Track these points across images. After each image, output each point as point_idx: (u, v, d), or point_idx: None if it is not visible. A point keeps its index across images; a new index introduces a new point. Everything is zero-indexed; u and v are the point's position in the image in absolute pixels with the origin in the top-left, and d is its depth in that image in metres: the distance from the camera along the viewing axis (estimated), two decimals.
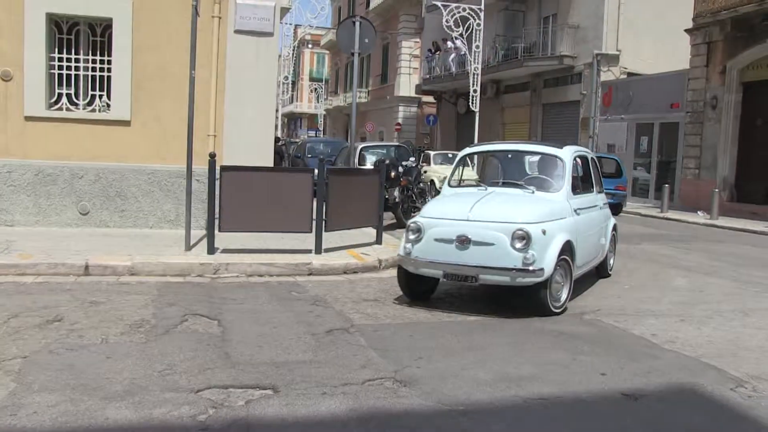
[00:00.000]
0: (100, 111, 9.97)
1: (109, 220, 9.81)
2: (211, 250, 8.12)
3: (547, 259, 6.12)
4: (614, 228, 8.67)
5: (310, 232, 8.48)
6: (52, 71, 9.79)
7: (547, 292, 6.20)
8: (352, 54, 10.84)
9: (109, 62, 9.83)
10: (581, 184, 7.71)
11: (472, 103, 24.16)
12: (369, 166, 16.24)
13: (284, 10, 13.82)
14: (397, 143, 22.43)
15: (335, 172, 9.70)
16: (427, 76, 33.09)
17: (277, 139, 21.31)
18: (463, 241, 6.16)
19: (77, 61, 9.84)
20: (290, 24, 34.69)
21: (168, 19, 9.76)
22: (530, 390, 4.27)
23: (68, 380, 4.08)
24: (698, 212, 17.84)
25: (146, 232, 9.62)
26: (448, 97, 33.15)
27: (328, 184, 8.61)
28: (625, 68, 23.68)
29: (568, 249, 6.48)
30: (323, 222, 8.45)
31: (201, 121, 9.31)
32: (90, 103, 9.97)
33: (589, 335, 5.74)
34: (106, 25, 9.84)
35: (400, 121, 37.42)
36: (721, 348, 5.46)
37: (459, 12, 23.89)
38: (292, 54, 34.03)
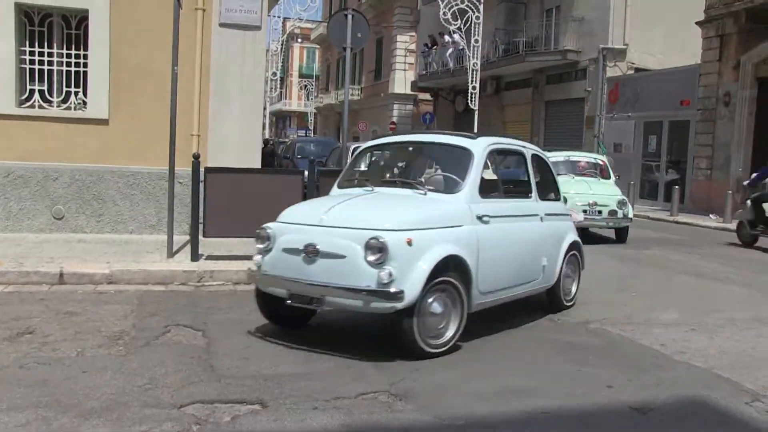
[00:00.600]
0: (75, 108, 9.97)
1: (85, 225, 9.80)
2: (195, 256, 8.11)
3: (412, 279, 4.97)
4: (575, 247, 7.22)
5: None
6: (23, 66, 9.77)
7: (413, 323, 4.99)
8: (344, 49, 10.86)
9: (85, 57, 9.83)
10: (511, 186, 6.79)
11: (471, 100, 24.21)
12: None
13: (272, 3, 13.84)
14: None
15: (327, 173, 9.70)
16: (424, 72, 33.17)
17: (266, 142, 21.38)
18: (311, 252, 5.13)
19: (50, 55, 9.83)
20: (278, 17, 34.64)
21: (148, 11, 9.76)
22: (533, 403, 4.28)
23: (40, 397, 4.06)
24: (710, 215, 17.91)
25: (125, 238, 9.61)
26: (445, 95, 33.23)
27: (318, 186, 8.62)
28: (633, 63, 23.78)
29: (456, 267, 5.32)
30: None
31: (184, 120, 9.31)
32: (65, 101, 9.97)
33: (594, 345, 5.76)
34: (82, 17, 9.83)
35: (394, 119, 37.46)
36: (735, 359, 5.48)
37: (457, 4, 23.96)
38: (281, 49, 34.00)
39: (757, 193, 13.20)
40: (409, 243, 4.98)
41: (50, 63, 9.84)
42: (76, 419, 3.75)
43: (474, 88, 24.20)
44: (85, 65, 9.83)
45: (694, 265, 10.45)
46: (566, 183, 12.33)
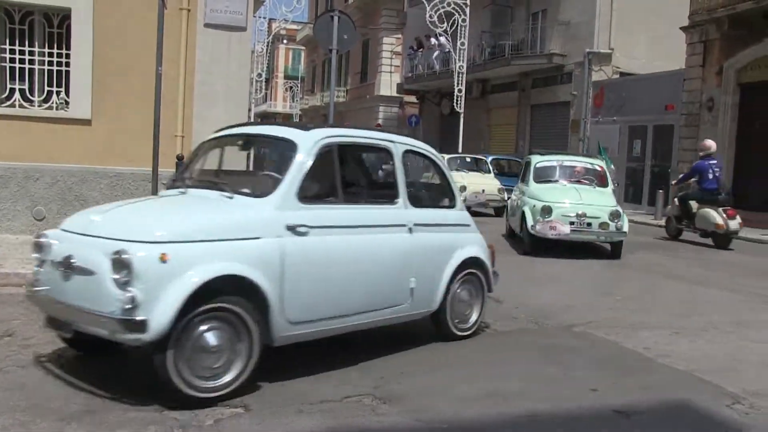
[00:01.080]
0: (57, 108, 9.88)
1: None
2: None
3: (161, 306, 3.94)
4: (472, 264, 5.97)
5: None
6: (3, 64, 9.67)
7: (166, 361, 3.97)
8: (330, 51, 10.86)
9: (67, 56, 9.75)
10: (364, 189, 5.78)
11: (457, 103, 24.27)
12: None
13: (258, 3, 13.83)
14: None
15: None
16: (410, 75, 33.22)
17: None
18: (68, 267, 4.28)
19: (32, 54, 9.74)
20: (264, 18, 34.59)
21: (132, 10, 9.70)
22: (518, 406, 4.29)
23: (18, 401, 4.01)
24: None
25: None
26: (431, 97, 33.28)
27: None
28: (618, 68, 23.94)
29: (238, 290, 4.26)
30: None
31: (168, 121, 9.25)
32: (46, 100, 9.88)
33: (580, 349, 5.80)
34: (64, 16, 9.76)
35: (380, 122, 37.45)
36: (717, 362, 5.53)
37: (443, 7, 23.99)
38: (266, 50, 33.92)
39: (683, 192, 14.47)
40: (163, 259, 4.01)
41: (31, 62, 9.75)
42: (57, 423, 3.72)
43: (460, 91, 24.24)
44: (68, 64, 9.75)
45: (678, 269, 10.53)
46: (553, 190, 11.86)
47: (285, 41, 58.26)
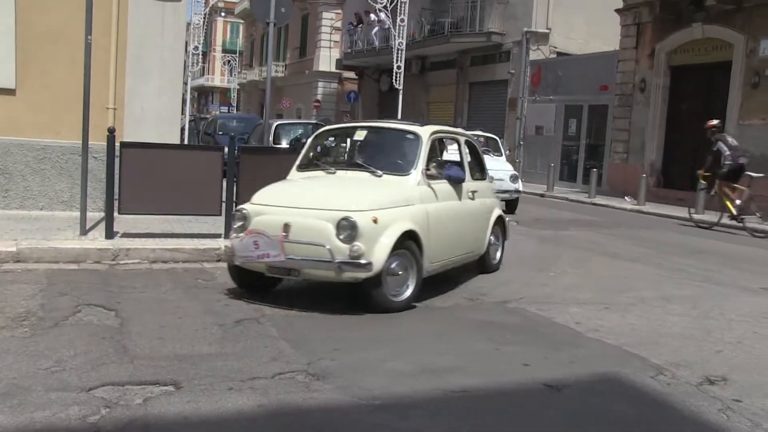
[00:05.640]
0: None
1: None
2: (110, 234, 7.84)
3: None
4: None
5: (220, 215, 8.33)
6: None
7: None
8: (267, 24, 10.65)
9: None
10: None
11: (396, 80, 24.19)
12: (284, 145, 16.08)
13: None
14: (315, 121, 22.31)
15: (248, 150, 9.53)
16: (349, 51, 32.99)
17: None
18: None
19: None
20: None
21: None
22: (451, 382, 4.32)
23: None
24: (625, 198, 18.52)
25: (35, 215, 9.20)
26: (370, 74, 33.14)
27: (239, 163, 8.46)
28: (555, 47, 24.26)
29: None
30: (234, 204, 8.31)
31: (99, 93, 8.93)
32: None
33: (513, 324, 5.87)
34: None
35: (319, 97, 37.18)
36: (644, 336, 5.68)
37: None
38: (203, 22, 33.17)
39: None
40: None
41: None
42: None
43: (399, 67, 24.15)
44: None
45: (610, 246, 10.79)
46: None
47: (223, 14, 56.99)
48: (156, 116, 9.89)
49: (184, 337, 4.92)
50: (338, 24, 36.91)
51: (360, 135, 7.32)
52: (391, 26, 25.02)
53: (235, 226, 6.19)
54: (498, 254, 8.31)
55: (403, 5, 23.87)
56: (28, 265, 6.92)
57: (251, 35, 51.52)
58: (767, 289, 7.97)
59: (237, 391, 3.95)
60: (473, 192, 7.47)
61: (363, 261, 5.64)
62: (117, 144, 7.89)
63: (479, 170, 8.02)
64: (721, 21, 17.39)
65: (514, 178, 14.73)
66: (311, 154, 7.34)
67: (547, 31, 24.03)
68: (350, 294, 5.97)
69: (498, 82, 25.67)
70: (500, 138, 17.79)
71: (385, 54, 27.54)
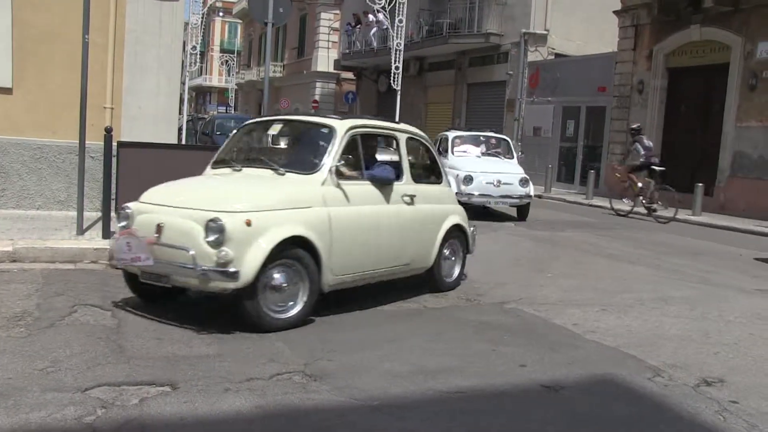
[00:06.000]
0: None
1: None
2: (107, 234, 7.81)
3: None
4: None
5: None
6: None
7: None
8: (266, 24, 10.64)
9: None
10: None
11: (394, 80, 24.16)
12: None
13: None
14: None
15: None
16: (347, 51, 32.95)
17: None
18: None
19: None
20: None
21: None
22: (448, 383, 4.32)
23: None
24: (623, 199, 18.49)
25: (32, 214, 9.18)
26: (368, 74, 33.12)
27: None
28: (553, 49, 24.25)
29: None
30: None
31: (97, 92, 8.91)
32: None
33: (510, 325, 5.87)
34: None
35: (317, 98, 37.15)
36: (641, 337, 5.68)
37: None
38: (201, 22, 33.11)
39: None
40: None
41: None
42: None
43: (397, 68, 24.13)
44: None
45: (607, 247, 10.79)
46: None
47: (221, 14, 56.90)
48: (153, 116, 9.87)
49: (181, 337, 4.91)
50: (336, 24, 36.90)
51: (275, 129, 6.65)
52: (390, 27, 25.00)
53: (119, 225, 5.64)
54: (455, 270, 7.25)
55: (401, 6, 23.87)
56: (25, 264, 6.90)
57: (249, 35, 51.47)
58: (762, 290, 7.98)
59: (234, 392, 3.94)
60: (410, 196, 6.48)
61: (231, 269, 4.92)
62: (114, 143, 7.89)
63: (430, 173, 7.19)
64: (719, 23, 17.41)
65: (524, 182, 13.56)
66: (228, 149, 6.64)
67: (545, 32, 24.03)
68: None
69: (496, 83, 25.67)
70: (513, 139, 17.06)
71: (383, 55, 27.51)
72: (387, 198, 6.24)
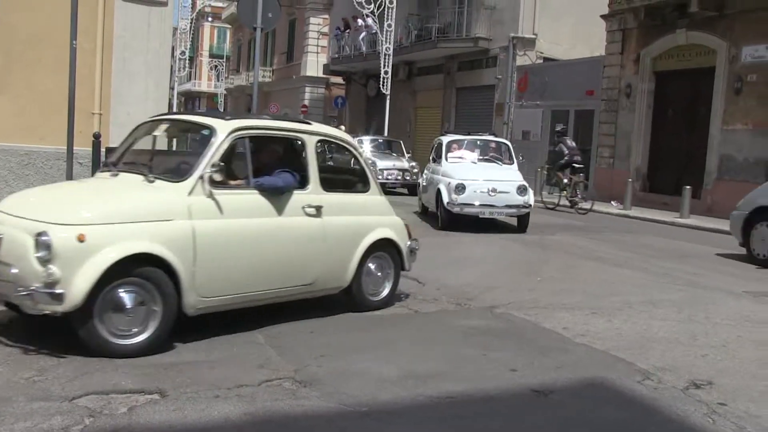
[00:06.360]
0: None
1: None
2: None
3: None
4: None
5: None
6: None
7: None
8: (255, 29, 10.63)
9: None
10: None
11: (383, 85, 24.26)
12: None
13: None
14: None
15: None
16: (336, 56, 32.94)
17: None
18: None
19: None
20: None
21: None
22: (438, 388, 4.31)
23: None
24: (612, 202, 18.59)
25: None
26: (357, 79, 33.13)
27: None
28: (542, 53, 24.32)
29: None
30: None
31: (85, 97, 8.90)
32: None
33: (499, 330, 5.87)
34: None
35: (306, 102, 37.13)
36: (630, 340, 5.69)
37: None
38: (190, 27, 33.11)
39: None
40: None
41: None
42: None
43: (386, 72, 24.23)
44: None
45: (596, 250, 10.81)
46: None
47: (210, 19, 56.93)
48: (142, 121, 9.83)
49: (169, 344, 4.87)
50: (326, 29, 36.89)
51: (160, 130, 5.93)
52: (379, 31, 25.07)
53: None
54: (385, 290, 6.40)
55: (390, 11, 23.96)
56: None
57: (238, 40, 51.40)
58: (749, 292, 8.02)
59: (223, 398, 3.92)
60: (316, 207, 5.69)
61: (57, 290, 4.30)
62: (102, 150, 7.85)
63: (352, 180, 6.50)
64: (704, 27, 17.51)
65: (522, 190, 12.18)
66: (119, 151, 5.97)
67: (534, 36, 24.10)
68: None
69: (485, 88, 25.71)
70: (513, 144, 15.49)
71: (372, 59, 27.55)
72: (280, 209, 5.48)
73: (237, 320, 5.55)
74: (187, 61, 31.24)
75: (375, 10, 24.26)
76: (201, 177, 5.01)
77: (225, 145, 5.20)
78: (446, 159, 13.15)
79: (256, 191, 5.38)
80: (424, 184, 13.96)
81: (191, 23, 32.05)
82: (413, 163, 20.36)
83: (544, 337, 5.71)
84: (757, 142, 16.27)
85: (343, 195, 6.15)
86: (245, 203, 5.32)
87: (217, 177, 5.09)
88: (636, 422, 4.02)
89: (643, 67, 19.47)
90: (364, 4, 23.90)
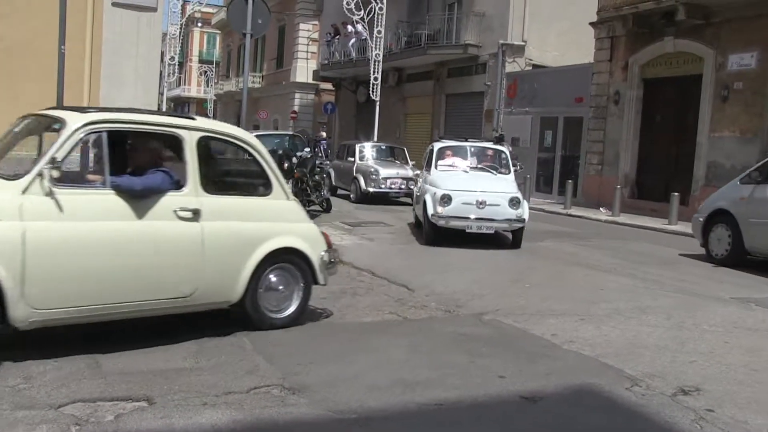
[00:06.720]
0: None
1: None
2: None
3: None
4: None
5: None
6: None
7: None
8: (244, 35, 10.63)
9: None
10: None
11: (373, 91, 24.29)
12: None
13: None
14: (291, 132, 22.29)
15: None
16: (326, 62, 32.97)
17: None
18: None
19: None
20: (177, 0, 33.79)
21: None
22: (427, 395, 4.30)
23: None
24: (601, 209, 18.66)
25: None
26: (347, 85, 33.16)
27: None
28: (531, 60, 24.42)
29: None
30: None
31: (73, 102, 8.82)
32: None
33: (488, 336, 5.87)
34: None
35: (296, 108, 37.14)
36: (619, 347, 5.71)
37: None
38: (180, 33, 33.04)
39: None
40: None
41: None
42: None
43: (376, 79, 24.27)
44: None
45: (585, 257, 10.84)
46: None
47: (200, 24, 56.82)
48: None
49: (157, 351, 4.86)
50: (315, 35, 36.94)
51: (19, 124, 5.55)
52: (368, 38, 25.13)
53: None
54: (291, 305, 5.71)
55: (380, 17, 24.02)
56: None
57: (228, 46, 51.36)
58: (737, 299, 8.06)
59: (211, 406, 3.90)
60: (193, 211, 5.08)
61: None
62: None
63: (249, 182, 5.84)
64: (692, 35, 17.64)
65: (514, 203, 10.99)
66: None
67: (523, 43, 24.21)
68: None
69: (474, 94, 25.79)
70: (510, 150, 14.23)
71: (362, 65, 27.60)
72: (143, 212, 4.90)
73: (224, 325, 5.54)
74: (176, 67, 31.16)
75: (365, 17, 24.31)
76: (40, 174, 4.51)
77: (73, 140, 4.69)
78: (435, 167, 12.09)
79: (112, 192, 4.82)
80: (417, 194, 12.58)
81: (181, 29, 32.00)
82: (418, 172, 20.14)
83: (532, 343, 5.72)
84: (744, 149, 16.38)
85: (232, 198, 5.50)
86: (96, 204, 4.78)
87: (56, 174, 4.53)
88: (624, 429, 4.03)
89: (632, 74, 19.58)
90: (354, 10, 23.94)
